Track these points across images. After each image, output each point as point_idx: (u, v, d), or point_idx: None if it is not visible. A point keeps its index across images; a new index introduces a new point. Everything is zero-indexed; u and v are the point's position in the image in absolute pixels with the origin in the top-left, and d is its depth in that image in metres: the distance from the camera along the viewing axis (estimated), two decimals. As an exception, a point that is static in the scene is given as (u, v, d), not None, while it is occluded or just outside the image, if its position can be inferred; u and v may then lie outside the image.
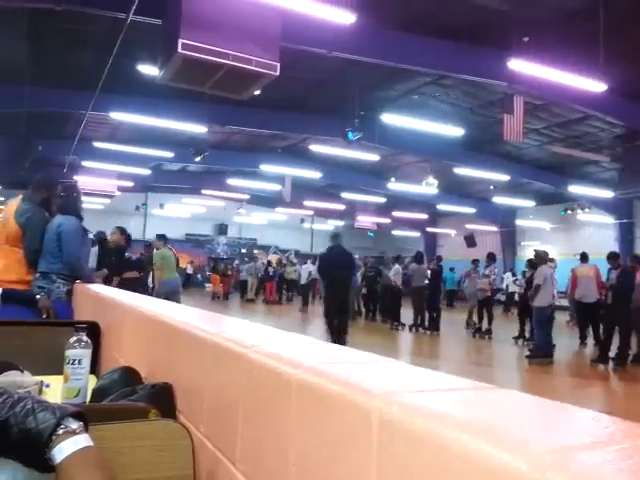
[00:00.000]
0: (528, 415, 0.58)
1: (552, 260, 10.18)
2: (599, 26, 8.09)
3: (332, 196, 24.17)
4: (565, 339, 10.28)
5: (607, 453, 0.43)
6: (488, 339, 10.89)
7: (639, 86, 10.76)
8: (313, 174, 18.36)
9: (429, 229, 28.98)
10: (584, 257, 9.65)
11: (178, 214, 27.92)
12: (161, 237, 8.89)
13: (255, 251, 29.25)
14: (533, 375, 7.71)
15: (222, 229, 30.11)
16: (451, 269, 20.89)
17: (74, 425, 0.80)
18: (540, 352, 8.26)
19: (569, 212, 21.41)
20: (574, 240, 22.09)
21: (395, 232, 30.09)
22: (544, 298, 8.26)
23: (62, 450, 0.76)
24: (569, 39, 8.93)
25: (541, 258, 8.85)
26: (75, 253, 3.43)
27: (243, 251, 29.94)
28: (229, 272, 21.67)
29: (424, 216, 25.95)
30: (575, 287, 9.42)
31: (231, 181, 20.31)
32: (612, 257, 9.05)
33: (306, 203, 24.01)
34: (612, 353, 8.06)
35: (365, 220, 26.88)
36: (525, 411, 0.59)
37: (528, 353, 8.69)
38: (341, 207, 24.98)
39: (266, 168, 17.67)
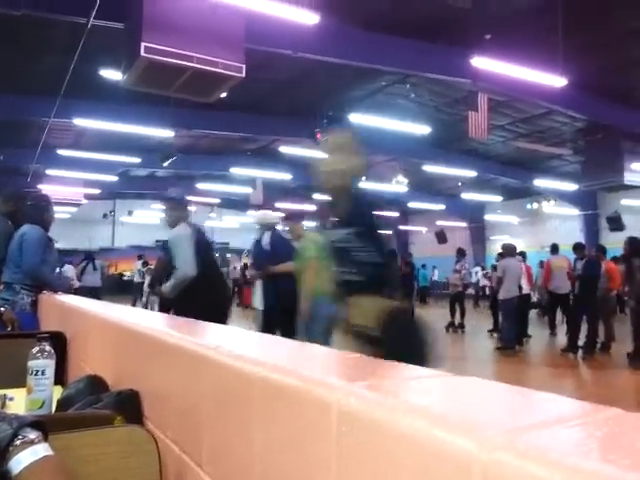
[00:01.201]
0: (484, 399, 0.58)
1: (521, 254, 10.35)
2: (558, 22, 8.29)
3: (303, 197, 24.15)
4: (536, 330, 10.48)
5: (555, 431, 0.44)
6: (461, 333, 11.04)
7: (598, 80, 11.06)
8: (283, 176, 18.32)
9: (401, 227, 29.22)
10: (555, 249, 9.74)
11: (148, 221, 27.51)
12: (297, 215, 5.39)
13: (227, 255, 29.04)
14: (504, 366, 7.84)
15: (193, 234, 29.77)
16: (423, 266, 21.11)
17: (32, 435, 0.78)
18: (509, 343, 8.43)
19: (535, 205, 21.86)
20: (541, 233, 22.57)
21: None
22: (508, 290, 8.42)
23: (20, 461, 0.74)
24: (530, 36, 9.12)
25: (506, 251, 9.02)
26: (33, 261, 3.35)
27: (216, 255, 29.71)
28: None
29: (395, 214, 26.15)
30: (549, 278, 9.49)
31: (201, 185, 20.12)
32: (578, 248, 9.28)
33: (277, 205, 23.92)
34: (581, 342, 8.26)
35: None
36: (481, 396, 0.60)
37: (498, 344, 8.85)
38: (313, 208, 24.97)
39: (236, 171, 17.57)
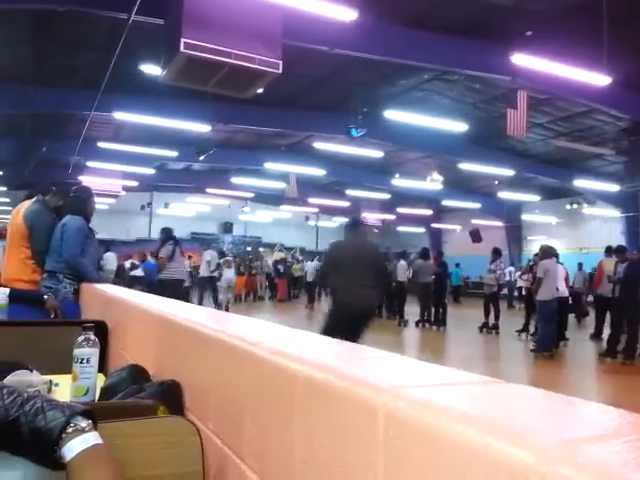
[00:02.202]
0: (534, 408, 0.58)
1: (555, 255, 10.12)
2: (602, 19, 8.04)
3: (337, 193, 24.15)
4: (574, 333, 10.25)
5: (613, 445, 0.43)
6: (495, 334, 10.88)
7: (644, 78, 10.69)
8: (317, 171, 18.35)
9: (434, 225, 28.92)
10: (609, 251, 9.37)
11: (183, 213, 27.98)
12: None
13: (260, 249, 29.28)
14: (540, 369, 7.69)
15: (227, 227, 30.15)
16: (457, 265, 20.86)
17: (83, 423, 0.80)
18: (545, 345, 8.26)
19: (575, 206, 21.30)
20: (580, 234, 22.01)
21: (400, 228, 30.05)
22: (548, 292, 8.24)
23: (72, 448, 0.77)
24: (572, 32, 8.88)
25: (545, 252, 8.82)
26: (74, 251, 3.42)
27: (248, 249, 30.04)
28: (254, 272, 21.18)
29: (429, 212, 25.91)
30: (600, 282, 9.06)
31: (235, 179, 20.34)
32: (619, 251, 9.00)
33: (311, 200, 24.00)
34: (620, 347, 8.03)
35: (370, 217, 26.86)
36: (531, 404, 0.59)
37: (532, 347, 8.69)
38: (346, 204, 24.96)
39: (270, 166, 17.68)
